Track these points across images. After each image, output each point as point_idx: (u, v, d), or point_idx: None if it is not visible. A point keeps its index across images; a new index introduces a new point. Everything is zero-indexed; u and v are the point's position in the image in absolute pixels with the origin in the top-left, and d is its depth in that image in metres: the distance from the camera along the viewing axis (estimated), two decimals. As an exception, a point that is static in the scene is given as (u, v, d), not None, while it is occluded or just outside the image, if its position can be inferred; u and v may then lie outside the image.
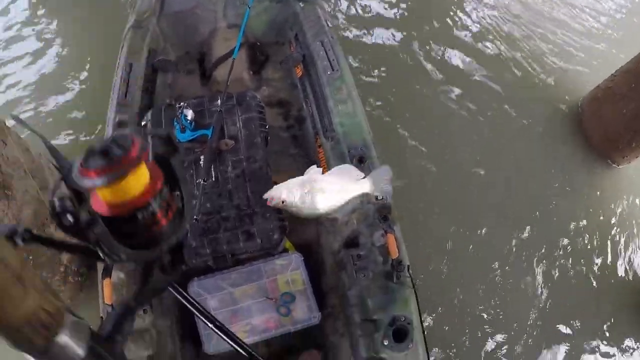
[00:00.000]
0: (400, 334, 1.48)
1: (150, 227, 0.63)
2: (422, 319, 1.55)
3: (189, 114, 1.68)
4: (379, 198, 1.61)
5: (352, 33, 3.00)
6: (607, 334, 2.40)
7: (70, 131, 2.50)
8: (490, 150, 2.70)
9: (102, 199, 0.60)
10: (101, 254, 0.62)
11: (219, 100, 1.71)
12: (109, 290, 1.45)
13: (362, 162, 1.65)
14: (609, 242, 2.62)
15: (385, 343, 1.47)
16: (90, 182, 0.55)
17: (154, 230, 0.64)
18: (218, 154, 1.63)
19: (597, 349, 2.37)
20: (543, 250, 2.52)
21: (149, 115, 1.76)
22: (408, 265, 1.56)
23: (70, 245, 0.64)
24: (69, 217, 0.57)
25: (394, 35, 3.02)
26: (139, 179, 0.60)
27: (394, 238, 1.53)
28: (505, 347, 2.28)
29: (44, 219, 1.50)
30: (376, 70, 2.83)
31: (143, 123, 1.77)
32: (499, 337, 2.29)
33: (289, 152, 1.95)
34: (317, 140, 1.77)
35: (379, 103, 2.69)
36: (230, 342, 1.37)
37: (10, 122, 1.59)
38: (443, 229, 2.43)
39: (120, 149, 0.56)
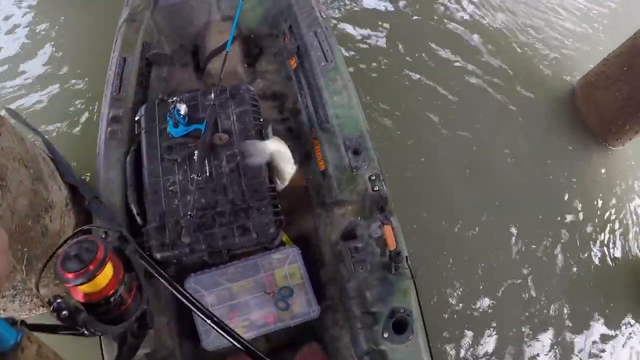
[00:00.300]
0: (401, 326, 1.47)
1: (119, 306, 0.85)
2: (422, 310, 1.54)
3: (182, 108, 1.66)
4: (375, 189, 1.60)
5: (346, 24, 2.97)
6: (606, 317, 2.40)
7: (66, 124, 2.48)
8: (485, 137, 2.68)
9: (80, 291, 0.79)
10: (87, 332, 0.82)
11: (212, 94, 1.69)
12: None
13: (357, 154, 1.63)
14: (608, 225, 2.61)
15: (385, 335, 1.46)
16: (70, 282, 0.77)
17: (122, 309, 0.86)
18: (212, 148, 1.61)
19: (596, 331, 2.37)
20: (541, 234, 2.52)
21: (142, 110, 1.74)
22: (407, 256, 1.54)
23: (63, 327, 0.81)
24: (65, 313, 0.77)
25: (385, 27, 2.98)
26: (107, 274, 0.79)
27: (392, 229, 1.52)
28: (506, 332, 2.27)
29: (39, 210, 1.48)
30: (372, 63, 2.80)
31: (137, 118, 1.76)
32: (500, 325, 2.29)
33: None
34: (312, 132, 1.75)
35: (370, 96, 2.67)
36: (229, 338, 1.36)
37: (3, 113, 1.57)
38: (441, 218, 2.41)
39: (88, 252, 0.77)
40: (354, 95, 1.76)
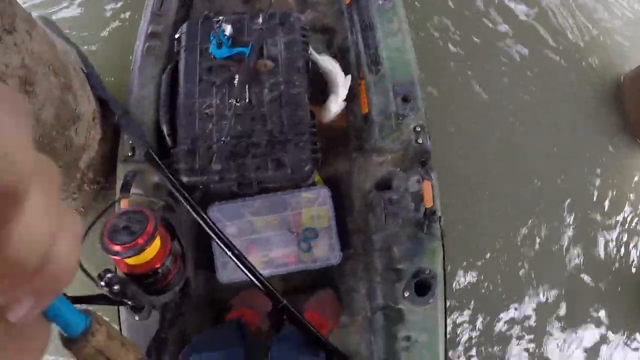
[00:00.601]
0: (423, 287, 1.42)
1: (165, 277, 0.85)
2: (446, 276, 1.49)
3: (228, 29, 1.57)
4: (419, 141, 1.51)
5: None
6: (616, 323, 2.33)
7: (103, 38, 2.39)
8: (525, 121, 2.53)
9: (126, 263, 0.79)
10: (131, 304, 0.84)
11: (260, 19, 1.59)
12: (126, 207, 1.41)
13: (406, 101, 1.54)
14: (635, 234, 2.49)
15: (406, 295, 1.42)
16: (119, 255, 0.76)
17: (167, 279, 0.86)
18: (255, 74, 1.52)
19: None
20: (572, 227, 2.41)
21: (184, 27, 1.66)
22: (440, 217, 1.48)
23: (106, 298, 0.82)
24: (116, 287, 0.79)
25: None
26: (154, 247, 0.79)
27: (431, 186, 1.44)
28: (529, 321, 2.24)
29: (66, 121, 1.43)
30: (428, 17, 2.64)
31: (177, 36, 1.67)
32: (520, 307, 2.25)
33: None
34: (360, 72, 1.65)
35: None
36: (246, 272, 1.33)
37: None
38: (477, 192, 2.32)
39: (139, 225, 0.76)
40: (408, 39, 1.64)
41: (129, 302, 0.83)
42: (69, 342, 0.41)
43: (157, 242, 0.78)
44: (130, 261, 0.78)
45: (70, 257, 0.22)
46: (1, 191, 0.17)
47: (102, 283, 0.79)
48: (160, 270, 0.82)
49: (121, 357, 0.47)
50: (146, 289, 0.84)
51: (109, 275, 0.79)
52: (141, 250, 0.75)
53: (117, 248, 0.74)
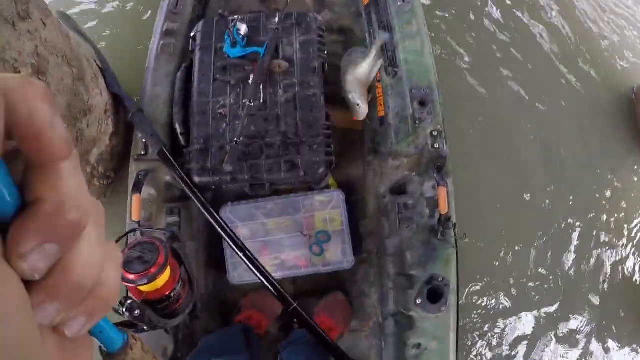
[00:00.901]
0: (436, 295, 1.40)
1: (177, 301, 0.93)
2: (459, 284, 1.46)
3: (243, 28, 1.55)
4: (435, 146, 1.48)
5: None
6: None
7: (117, 35, 2.39)
8: (537, 131, 2.49)
9: (140, 290, 0.86)
10: (147, 327, 0.92)
11: (276, 19, 1.57)
12: (137, 206, 1.40)
13: (423, 105, 1.51)
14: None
15: (418, 302, 1.40)
16: (133, 283, 0.84)
17: (178, 303, 0.94)
18: (269, 75, 1.50)
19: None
20: (576, 241, 2.37)
21: (200, 25, 1.64)
22: (455, 224, 1.45)
23: (132, 325, 0.90)
24: (137, 312, 0.87)
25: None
26: (166, 275, 0.86)
27: (446, 192, 1.41)
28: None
29: (77, 113, 1.42)
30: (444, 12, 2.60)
31: (192, 34, 1.66)
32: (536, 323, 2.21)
33: None
34: (377, 75, 1.62)
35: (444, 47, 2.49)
36: (257, 274, 1.32)
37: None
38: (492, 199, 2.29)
39: (151, 255, 0.85)
40: (427, 42, 1.61)
41: (145, 327, 0.92)
42: (109, 356, 0.47)
43: (167, 271, 0.87)
44: (144, 288, 0.86)
45: (116, 281, 0.26)
46: (74, 225, 0.22)
47: (124, 309, 0.87)
48: (172, 295, 0.91)
49: None
50: (159, 313, 0.93)
51: (129, 301, 0.87)
52: (154, 278, 0.84)
53: (131, 277, 0.83)
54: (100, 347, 0.44)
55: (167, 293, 0.90)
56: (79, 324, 0.24)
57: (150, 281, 0.84)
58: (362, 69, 1.57)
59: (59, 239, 0.21)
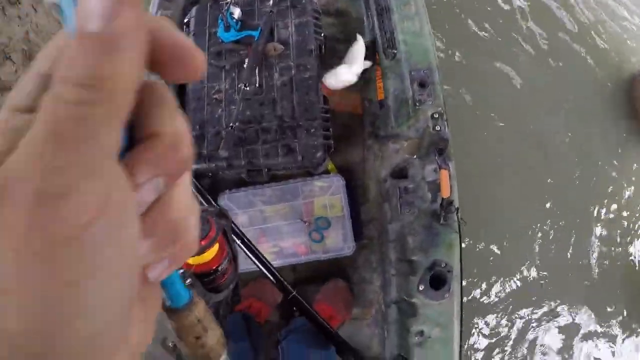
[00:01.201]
0: (439, 281, 1.37)
1: (222, 276, 0.92)
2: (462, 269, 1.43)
3: (236, 12, 1.51)
4: (437, 128, 1.44)
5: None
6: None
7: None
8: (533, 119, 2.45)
9: (187, 262, 0.84)
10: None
11: (271, 1, 1.53)
12: None
13: (423, 87, 1.47)
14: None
15: (421, 288, 1.36)
16: None
17: (224, 279, 0.93)
18: (265, 58, 1.47)
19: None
20: (578, 221, 2.35)
21: (193, 11, 1.61)
22: (458, 208, 1.42)
23: None
24: (189, 280, 0.86)
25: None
26: (215, 248, 0.86)
27: (448, 175, 1.37)
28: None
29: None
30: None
31: (186, 20, 1.63)
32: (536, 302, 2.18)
33: None
34: (376, 58, 1.58)
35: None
36: (257, 263, 1.29)
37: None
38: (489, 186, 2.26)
39: (203, 228, 0.83)
40: (426, 23, 1.57)
41: None
42: (172, 311, 0.47)
43: (216, 245, 0.86)
44: (192, 260, 0.85)
45: (197, 231, 0.25)
46: (185, 161, 0.22)
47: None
48: (219, 269, 0.91)
49: (212, 328, 0.54)
50: (205, 286, 0.93)
51: (181, 270, 0.84)
52: (203, 250, 0.84)
53: None
54: (163, 303, 0.43)
55: (214, 267, 0.89)
56: (163, 267, 0.23)
57: (199, 253, 0.83)
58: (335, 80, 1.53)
59: (169, 173, 0.21)
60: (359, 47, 1.53)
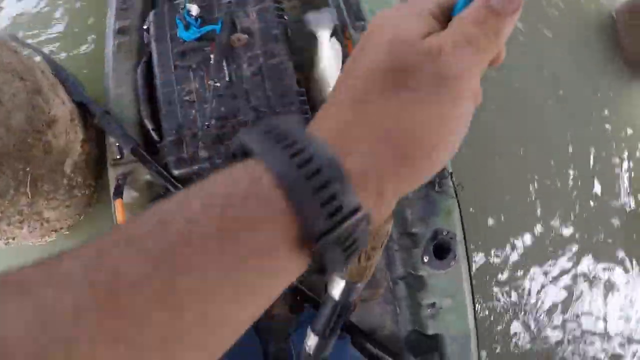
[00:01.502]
0: (442, 250, 1.33)
1: None
2: (465, 233, 1.40)
3: (193, 8, 1.48)
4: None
5: None
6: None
7: (70, 43, 2.30)
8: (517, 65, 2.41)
9: None
10: None
11: None
12: (121, 211, 1.34)
13: None
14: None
15: (426, 259, 1.33)
16: None
17: None
18: (230, 50, 1.42)
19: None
20: (571, 168, 2.32)
21: (151, 16, 1.57)
22: (451, 173, 1.38)
23: None
24: None
25: None
26: None
27: None
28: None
29: (40, 126, 1.35)
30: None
31: (145, 27, 1.59)
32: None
33: None
34: (345, 33, 1.54)
35: None
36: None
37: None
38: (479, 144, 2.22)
39: None
40: None
41: None
42: None
43: None
44: None
45: None
46: None
47: None
48: None
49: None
50: None
51: None
52: None
53: None
54: None
55: None
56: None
57: None
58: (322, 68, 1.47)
59: None
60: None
